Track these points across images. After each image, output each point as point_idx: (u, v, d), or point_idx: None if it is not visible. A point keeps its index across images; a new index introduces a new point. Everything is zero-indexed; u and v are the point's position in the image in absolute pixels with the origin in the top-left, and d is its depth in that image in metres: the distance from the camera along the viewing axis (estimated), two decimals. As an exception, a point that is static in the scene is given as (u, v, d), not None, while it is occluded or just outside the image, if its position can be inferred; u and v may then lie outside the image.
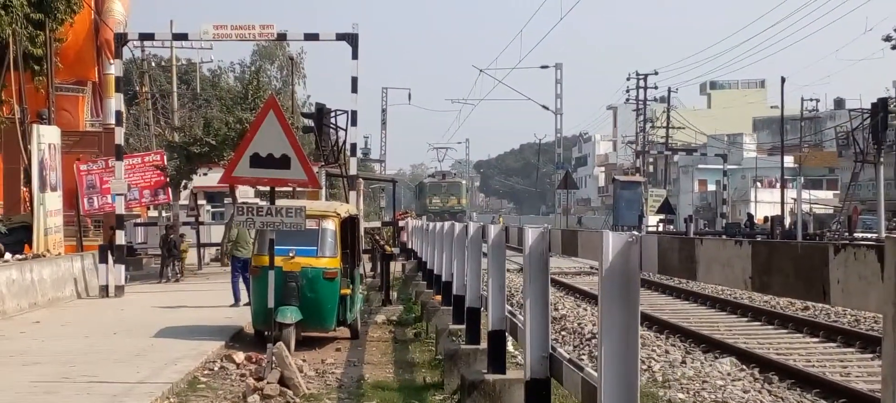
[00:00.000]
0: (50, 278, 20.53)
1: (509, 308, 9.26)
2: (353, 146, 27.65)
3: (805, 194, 60.06)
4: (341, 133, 30.43)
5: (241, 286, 18.52)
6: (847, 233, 43.36)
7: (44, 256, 21.49)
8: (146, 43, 48.26)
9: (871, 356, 13.88)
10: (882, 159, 41.54)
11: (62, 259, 22.20)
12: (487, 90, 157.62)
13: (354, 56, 24.47)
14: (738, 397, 10.95)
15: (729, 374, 12.45)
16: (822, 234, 45.66)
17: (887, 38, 50.13)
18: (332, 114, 30.97)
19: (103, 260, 22.36)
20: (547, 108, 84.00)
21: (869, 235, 41.29)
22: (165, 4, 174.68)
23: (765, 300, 20.91)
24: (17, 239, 22.10)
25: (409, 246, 34.28)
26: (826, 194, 75.18)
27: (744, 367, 12.91)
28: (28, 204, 24.03)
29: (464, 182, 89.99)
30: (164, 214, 37.57)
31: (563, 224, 67.88)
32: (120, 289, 22.10)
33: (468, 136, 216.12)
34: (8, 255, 20.19)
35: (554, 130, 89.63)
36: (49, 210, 23.03)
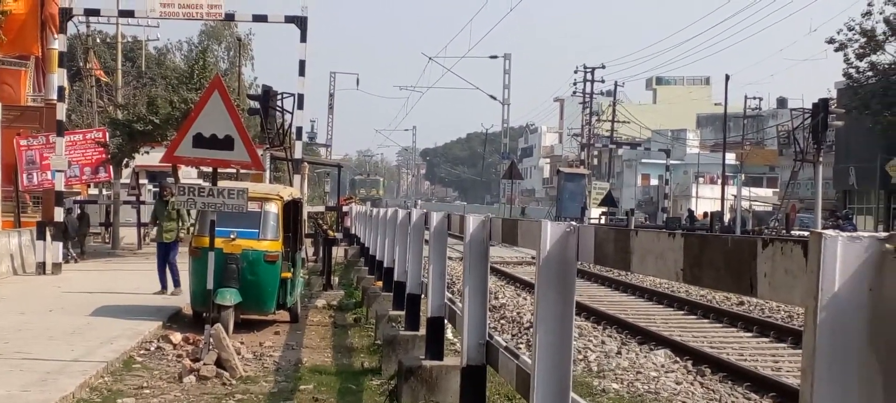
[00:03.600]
0: (-14, 253, 20.22)
1: (449, 295, 9.28)
2: (299, 129, 27.52)
3: (745, 191, 60.88)
4: (287, 116, 30.28)
5: (168, 273, 17.98)
6: (784, 231, 44.00)
7: (-20, 231, 21.16)
8: (91, 18, 47.65)
9: (795, 350, 14.11)
10: (821, 159, 42.11)
11: (-1, 234, 21.88)
12: (436, 78, 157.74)
13: (303, 39, 24.36)
14: (670, 388, 11.08)
15: (663, 366, 12.59)
16: (760, 231, 46.29)
17: (830, 41, 50.83)
18: (279, 96, 30.77)
19: (41, 236, 22.05)
20: (495, 98, 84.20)
21: (805, 233, 41.84)
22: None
23: (701, 294, 21.15)
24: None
25: (353, 232, 34.20)
26: (766, 192, 76.28)
27: (678, 359, 13.06)
28: (-35, 177, 23.61)
29: (382, 179, 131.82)
30: (104, 192, 37.13)
31: (508, 214, 68.13)
32: (57, 267, 21.83)
33: (415, 124, 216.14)
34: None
35: (501, 120, 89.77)
36: (-14, 184, 22.68)
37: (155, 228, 19.52)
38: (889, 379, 2.15)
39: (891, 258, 2.15)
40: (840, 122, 43.02)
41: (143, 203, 35.16)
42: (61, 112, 23.33)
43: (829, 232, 2.20)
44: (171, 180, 25.45)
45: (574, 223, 4.85)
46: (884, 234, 2.21)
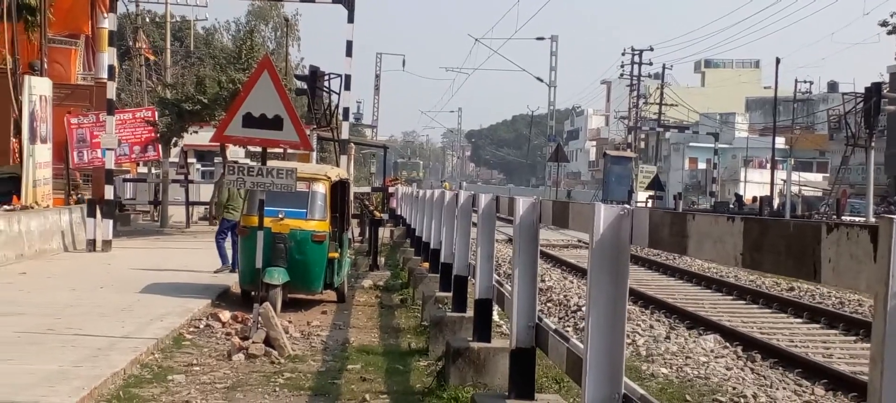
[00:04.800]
0: (37, 230, 20.49)
1: (497, 277, 9.26)
2: (346, 110, 27.60)
3: (795, 176, 60.22)
4: (334, 97, 30.42)
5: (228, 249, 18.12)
6: (835, 216, 43.48)
7: (32, 208, 21.43)
8: (141, -2, 48.10)
9: (854, 338, 13.96)
10: (873, 144, 41.54)
11: (50, 211, 22.14)
12: (482, 60, 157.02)
13: (350, 19, 24.41)
14: (720, 374, 10.99)
15: (712, 351, 12.50)
16: (810, 216, 45.80)
17: (884, 24, 50.11)
18: (326, 77, 30.88)
19: (91, 214, 22.29)
20: (541, 80, 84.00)
21: (857, 219, 41.38)
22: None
23: (751, 279, 20.97)
24: (6, 189, 21.99)
25: (398, 213, 34.26)
26: (815, 177, 75.40)
27: (727, 345, 12.97)
28: (17, 155, 23.88)
29: (421, 162, 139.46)
30: (153, 171, 37.46)
31: (553, 196, 67.92)
32: (107, 244, 22.04)
33: (461, 106, 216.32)
34: (-4, 206, 20.13)
35: (547, 103, 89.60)
36: (38, 162, 22.93)
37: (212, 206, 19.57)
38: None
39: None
40: (893, 107, 42.44)
41: (192, 182, 35.51)
42: (111, 91, 23.52)
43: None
44: (237, 160, 25.54)
45: (627, 206, 4.80)
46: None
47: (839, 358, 12.57)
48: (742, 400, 9.72)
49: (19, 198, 21.81)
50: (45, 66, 25.30)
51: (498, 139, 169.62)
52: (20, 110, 23.02)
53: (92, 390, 8.18)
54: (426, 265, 16.62)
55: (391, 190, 38.47)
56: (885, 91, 42.05)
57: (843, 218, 42.94)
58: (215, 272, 17.41)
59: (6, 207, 20.61)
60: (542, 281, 19.35)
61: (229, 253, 17.76)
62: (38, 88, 23.14)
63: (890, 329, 2.10)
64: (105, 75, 24.20)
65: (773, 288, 19.79)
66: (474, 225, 9.75)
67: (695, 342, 13.08)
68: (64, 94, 28.06)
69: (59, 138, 26.24)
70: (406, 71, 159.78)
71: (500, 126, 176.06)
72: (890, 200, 49.49)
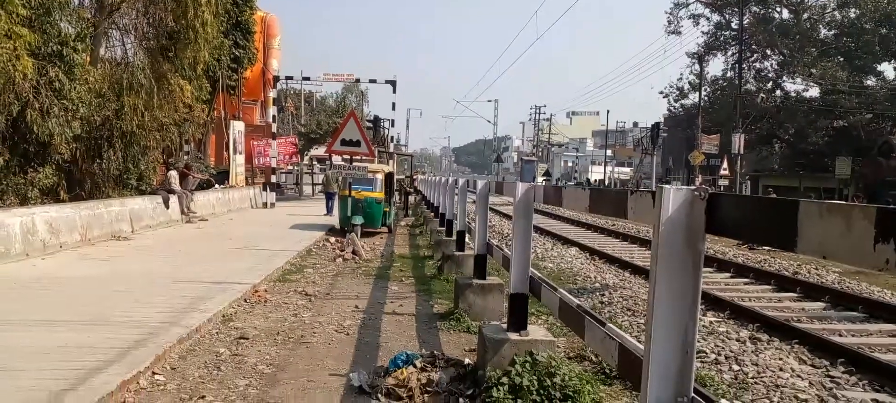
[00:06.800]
0: (238, 197, 20.39)
1: (468, 220, 9.25)
2: (392, 137, 27.41)
3: (617, 169, 60.07)
4: (386, 130, 30.13)
5: (332, 206, 18.22)
6: (636, 188, 43.32)
7: (234, 186, 21.32)
8: (288, 80, 47.46)
9: (645, 248, 13.96)
10: (656, 153, 41.48)
11: (244, 188, 22.03)
12: (461, 111, 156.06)
13: (394, 91, 24.20)
14: (578, 266, 11.04)
15: (575, 256, 12.52)
16: (625, 189, 45.64)
17: (661, 92, 49.91)
18: (382, 120, 30.67)
19: (264, 189, 22.19)
20: (490, 122, 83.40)
21: (646, 190, 41.16)
22: (297, 57, 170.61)
23: (593, 219, 20.94)
24: (222, 178, 21.93)
25: (419, 189, 34.11)
26: (627, 170, 75.19)
27: (582, 252, 12.98)
28: (227, 160, 23.80)
29: (426, 164, 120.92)
30: (294, 169, 37.19)
31: (496, 180, 67.48)
32: (272, 205, 21.94)
33: (450, 135, 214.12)
34: (217, 186, 20.04)
35: (493, 133, 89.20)
36: (237, 164, 22.82)
37: (323, 186, 19.61)
38: (695, 263, 2.13)
39: (697, 199, 2.12)
40: (665, 134, 42.23)
41: (314, 173, 35.28)
42: (274, 128, 23.39)
43: (667, 186, 2.17)
44: (337, 162, 25.40)
45: (533, 184, 4.80)
46: (693, 187, 2.19)
47: (638, 258, 12.59)
48: (589, 278, 9.76)
49: (228, 181, 21.71)
50: (241, 115, 25.07)
51: (469, 151, 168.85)
52: (229, 138, 22.85)
53: (265, 276, 8.18)
54: (432, 214, 16.56)
55: (415, 177, 38.29)
56: (661, 127, 41.78)
57: (640, 188, 42.88)
58: (324, 215, 17.48)
59: (222, 186, 20.51)
60: (491, 222, 19.30)
61: (334, 207, 17.84)
62: (237, 127, 22.97)
63: (661, 241, 2.12)
64: (270, 120, 24.02)
65: (605, 223, 19.78)
66: (456, 194, 9.70)
67: (566, 250, 13.10)
68: (249, 130, 27.75)
69: (247, 152, 26.08)
70: (422, 117, 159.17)
71: (471, 144, 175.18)
72: (663, 180, 49.44)
